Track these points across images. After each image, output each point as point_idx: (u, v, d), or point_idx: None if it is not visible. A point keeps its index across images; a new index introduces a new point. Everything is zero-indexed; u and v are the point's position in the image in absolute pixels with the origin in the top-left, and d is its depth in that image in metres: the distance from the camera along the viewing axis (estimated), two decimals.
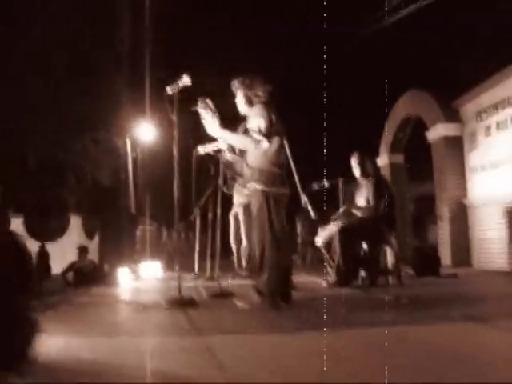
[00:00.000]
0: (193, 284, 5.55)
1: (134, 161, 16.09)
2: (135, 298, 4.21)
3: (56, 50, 13.79)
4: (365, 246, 4.76)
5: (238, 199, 6.12)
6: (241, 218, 6.15)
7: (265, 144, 3.31)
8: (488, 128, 6.36)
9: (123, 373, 1.77)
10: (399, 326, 2.48)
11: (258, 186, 3.33)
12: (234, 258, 6.36)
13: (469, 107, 6.79)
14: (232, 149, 3.55)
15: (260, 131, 3.30)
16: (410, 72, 8.57)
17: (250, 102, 3.48)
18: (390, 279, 4.82)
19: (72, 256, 15.18)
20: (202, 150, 4.05)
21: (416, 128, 8.52)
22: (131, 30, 14.75)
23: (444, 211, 7.02)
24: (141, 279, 6.17)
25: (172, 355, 2.01)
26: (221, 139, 3.58)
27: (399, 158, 8.58)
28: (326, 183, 5.93)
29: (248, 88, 3.47)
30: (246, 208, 6.11)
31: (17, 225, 14.36)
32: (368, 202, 4.70)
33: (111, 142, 15.42)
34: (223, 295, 3.89)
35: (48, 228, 14.68)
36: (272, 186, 3.34)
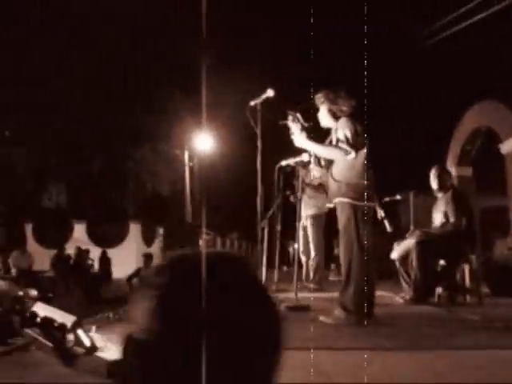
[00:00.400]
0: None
1: (191, 171, 16.51)
2: None
3: (118, 62, 14.44)
4: (442, 262, 4.61)
5: (306, 211, 6.12)
6: (309, 230, 6.15)
7: (352, 155, 3.31)
8: None
9: None
10: (493, 348, 2.36)
11: (346, 200, 3.32)
12: (304, 270, 6.35)
13: None
14: (318, 162, 3.55)
15: (348, 142, 3.30)
16: (478, 82, 8.30)
17: (334, 117, 3.49)
18: (468, 298, 4.64)
19: (131, 262, 15.72)
20: (285, 162, 4.09)
21: (484, 139, 8.23)
22: (192, 43, 15.21)
23: None
24: None
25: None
26: (308, 151, 3.61)
27: (467, 171, 8.28)
28: (398, 196, 5.83)
29: (332, 102, 3.48)
30: (315, 220, 6.12)
31: (80, 231, 15.11)
32: (446, 216, 4.56)
33: (170, 153, 15.92)
34: (299, 308, 3.89)
35: (109, 234, 15.31)
36: (360, 199, 3.32)
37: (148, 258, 8.77)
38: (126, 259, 15.10)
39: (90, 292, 11.05)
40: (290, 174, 6.50)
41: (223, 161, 18.10)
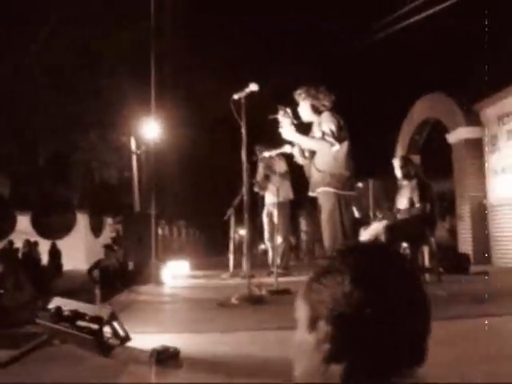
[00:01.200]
0: (233, 281, 5.74)
1: (139, 159, 16.15)
2: (196, 295, 4.36)
3: (65, 49, 13.78)
4: (404, 245, 4.99)
5: (273, 199, 6.33)
6: (275, 217, 6.36)
7: (337, 146, 3.54)
8: (510, 132, 6.66)
9: (270, 365, 1.94)
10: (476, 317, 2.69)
11: (331, 190, 3.54)
12: (269, 257, 6.57)
13: (490, 111, 7.08)
14: (302, 153, 3.74)
15: (333, 135, 3.52)
16: (425, 75, 8.84)
17: (316, 111, 3.69)
18: (428, 277, 5.08)
19: (79, 254, 15.19)
20: (267, 153, 4.24)
21: (431, 130, 8.81)
22: (140, 29, 14.77)
23: (465, 210, 7.31)
24: (174, 278, 6.29)
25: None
26: (291, 144, 3.78)
27: (415, 159, 8.82)
28: (359, 184, 6.19)
29: (314, 97, 3.68)
30: (281, 207, 6.35)
31: (24, 223, 14.38)
32: (411, 203, 4.93)
33: (118, 141, 15.44)
34: (281, 292, 4.09)
35: (55, 226, 14.70)
36: (343, 188, 3.56)
37: (108, 248, 8.61)
38: (73, 251, 14.63)
39: (41, 286, 10.68)
40: (255, 164, 6.69)
41: (172, 149, 17.88)
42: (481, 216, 7.16)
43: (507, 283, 4.88)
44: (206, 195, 25.74)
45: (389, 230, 4.79)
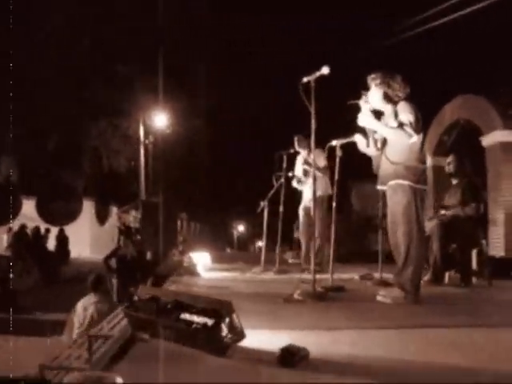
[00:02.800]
0: (267, 276, 5.52)
1: (146, 148, 15.89)
2: (246, 290, 4.11)
3: (77, 35, 13.46)
4: (454, 245, 4.80)
5: (311, 194, 6.10)
6: (313, 212, 6.14)
7: (414, 138, 3.33)
8: None
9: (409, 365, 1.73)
10: None
11: (406, 182, 3.33)
12: (302, 253, 6.35)
13: None
14: (375, 143, 3.52)
15: (411, 126, 3.30)
16: (459, 76, 8.64)
17: (390, 101, 3.47)
18: (475, 281, 4.89)
19: (84, 241, 14.89)
20: (336, 142, 4.01)
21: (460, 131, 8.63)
22: (154, 20, 14.50)
23: (498, 216, 7.13)
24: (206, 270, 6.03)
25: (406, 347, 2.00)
26: (363, 133, 3.56)
27: (443, 161, 8.62)
28: None
29: (389, 86, 3.45)
30: (320, 202, 6.12)
31: (29, 207, 14.05)
32: (463, 202, 4.73)
33: (128, 129, 15.14)
34: (336, 289, 3.88)
35: (60, 212, 14.38)
36: (419, 182, 3.35)
37: (127, 237, 8.36)
38: (78, 238, 14.30)
39: (49, 272, 10.40)
40: (292, 156, 6.45)
41: (180, 140, 17.67)
42: None
43: None
44: (209, 189, 25.55)
45: (442, 228, 4.61)
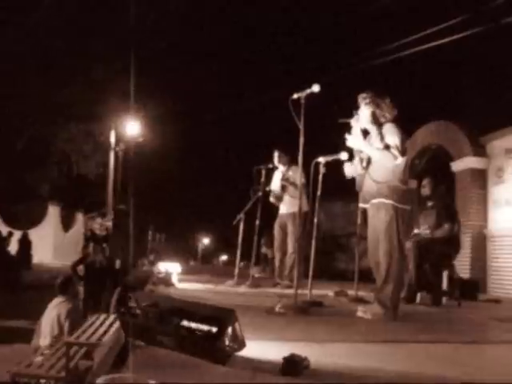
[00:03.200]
0: (242, 289, 5.50)
1: (117, 156, 15.62)
2: (226, 301, 4.08)
3: (50, 36, 13.21)
4: (426, 265, 4.95)
5: (288, 209, 6.16)
6: (289, 228, 6.20)
7: (399, 160, 3.44)
8: None
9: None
10: None
11: (389, 201, 3.44)
12: (276, 268, 6.37)
13: (497, 144, 7.28)
14: (360, 162, 3.62)
15: (397, 148, 3.43)
16: (429, 102, 8.99)
17: (376, 121, 3.59)
18: (445, 301, 5.05)
19: (47, 247, 14.37)
20: (322, 159, 4.08)
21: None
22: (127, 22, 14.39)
23: (465, 238, 7.40)
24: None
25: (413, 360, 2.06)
26: (350, 151, 3.66)
27: (413, 184, 8.91)
28: None
29: (377, 107, 3.58)
30: (294, 218, 6.18)
31: None
32: (437, 223, 4.91)
33: (99, 135, 14.84)
34: (315, 303, 3.93)
35: (22, 215, 13.89)
36: (401, 202, 3.47)
37: (97, 243, 8.11)
38: (41, 243, 13.80)
39: (8, 277, 9.97)
40: (270, 172, 6.50)
41: (151, 149, 17.50)
42: (480, 245, 7.28)
43: None
44: (176, 203, 25.29)
45: (417, 248, 4.76)
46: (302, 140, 3.65)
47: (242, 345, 1.79)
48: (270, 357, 1.87)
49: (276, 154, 6.05)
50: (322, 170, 4.29)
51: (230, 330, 1.72)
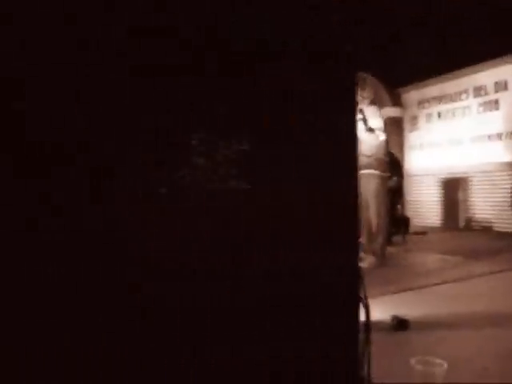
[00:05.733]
0: None
1: None
2: None
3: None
4: None
5: None
6: None
7: (382, 137, 4.24)
8: (429, 115, 8.13)
9: None
10: None
11: (376, 172, 4.25)
12: None
13: (412, 95, 8.47)
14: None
15: (381, 128, 4.20)
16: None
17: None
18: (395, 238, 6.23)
19: None
20: None
21: None
22: None
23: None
24: None
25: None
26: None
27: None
28: None
29: (359, 86, 4.25)
30: None
31: None
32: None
33: None
34: None
35: None
36: (384, 171, 4.30)
37: None
38: None
39: None
40: None
41: None
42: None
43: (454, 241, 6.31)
44: None
45: None
46: None
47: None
48: None
49: None
50: None
51: None
